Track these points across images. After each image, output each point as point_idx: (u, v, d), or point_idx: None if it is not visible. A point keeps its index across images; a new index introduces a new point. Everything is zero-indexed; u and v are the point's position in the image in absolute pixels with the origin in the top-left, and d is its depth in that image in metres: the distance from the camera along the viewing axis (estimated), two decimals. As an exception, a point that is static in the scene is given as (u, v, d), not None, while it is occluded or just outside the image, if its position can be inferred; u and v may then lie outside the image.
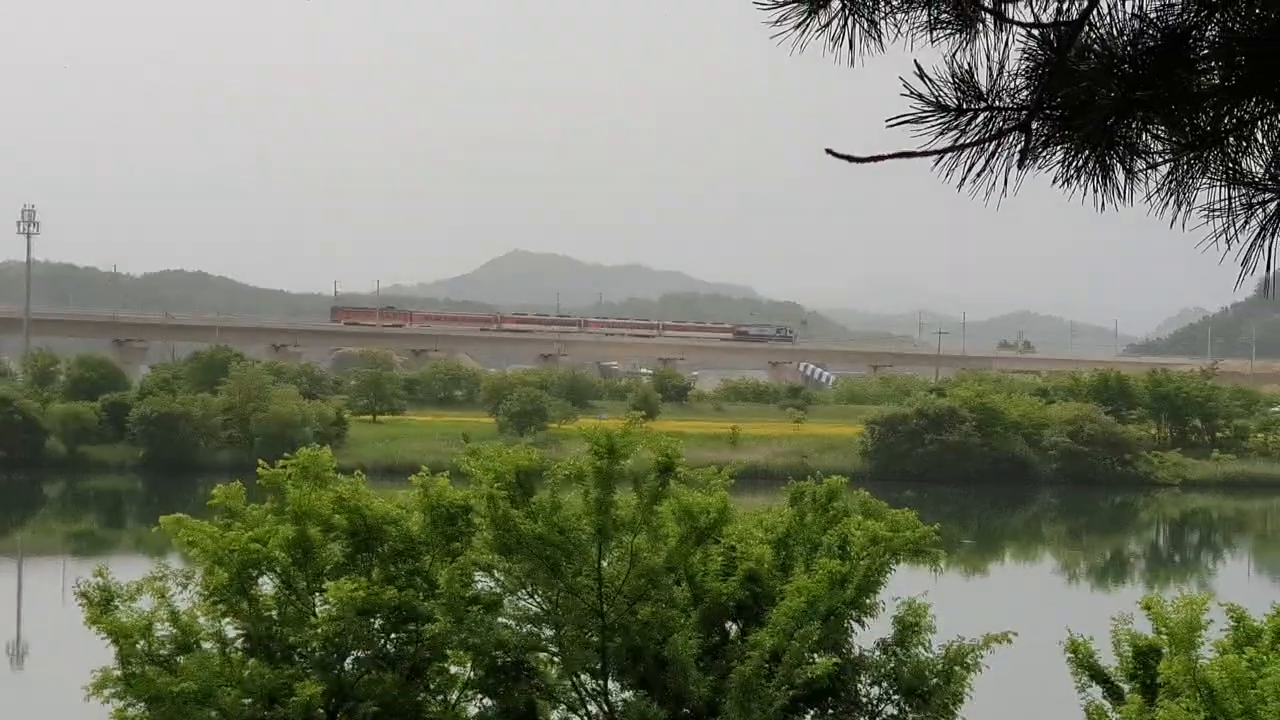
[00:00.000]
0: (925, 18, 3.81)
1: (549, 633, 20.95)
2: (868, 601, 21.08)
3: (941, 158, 3.58)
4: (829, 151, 3.41)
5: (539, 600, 21.12)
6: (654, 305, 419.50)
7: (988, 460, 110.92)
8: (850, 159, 3.38)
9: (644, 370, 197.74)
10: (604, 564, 20.34)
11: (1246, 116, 3.55)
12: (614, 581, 20.16)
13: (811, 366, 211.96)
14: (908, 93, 3.56)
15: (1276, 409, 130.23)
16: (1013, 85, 3.70)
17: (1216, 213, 3.66)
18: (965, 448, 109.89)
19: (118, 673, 19.94)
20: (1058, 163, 3.70)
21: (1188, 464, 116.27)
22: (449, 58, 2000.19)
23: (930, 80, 3.62)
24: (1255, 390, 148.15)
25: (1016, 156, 3.56)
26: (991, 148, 3.56)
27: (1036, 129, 3.68)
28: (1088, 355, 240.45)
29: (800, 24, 3.79)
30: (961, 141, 3.56)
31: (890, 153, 3.32)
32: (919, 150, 3.31)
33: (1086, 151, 3.64)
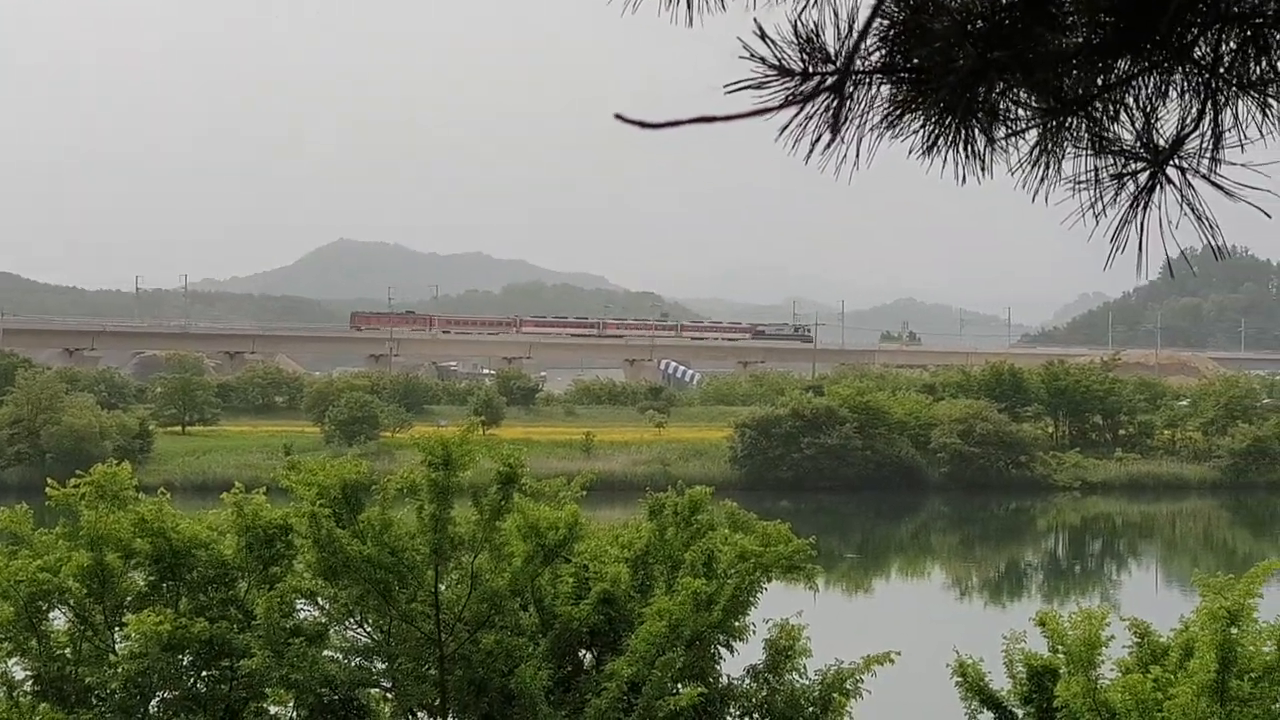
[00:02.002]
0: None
1: (381, 666, 20.88)
2: (736, 624, 21.20)
3: (787, 126, 3.58)
4: (618, 117, 3.39)
5: (369, 630, 21.04)
6: (496, 297, 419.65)
7: (870, 465, 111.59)
8: (642, 125, 3.36)
9: (486, 371, 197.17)
10: (441, 588, 20.29)
11: (1115, 78, 3.59)
12: (453, 607, 20.12)
13: (673, 364, 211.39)
14: (747, 55, 3.55)
15: (1184, 402, 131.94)
16: (867, 47, 3.69)
17: (1083, 185, 3.70)
18: (845, 451, 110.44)
19: (-113, 724, 19.65)
20: (914, 131, 3.72)
21: (1088, 465, 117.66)
22: (263, 38, 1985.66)
23: (772, 42, 3.60)
24: (1161, 382, 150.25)
25: (830, 123, 3.55)
26: (807, 110, 3.55)
27: (892, 93, 3.70)
28: (979, 347, 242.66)
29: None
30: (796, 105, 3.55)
31: (688, 118, 3.30)
32: (721, 115, 3.30)
33: (944, 118, 3.66)
